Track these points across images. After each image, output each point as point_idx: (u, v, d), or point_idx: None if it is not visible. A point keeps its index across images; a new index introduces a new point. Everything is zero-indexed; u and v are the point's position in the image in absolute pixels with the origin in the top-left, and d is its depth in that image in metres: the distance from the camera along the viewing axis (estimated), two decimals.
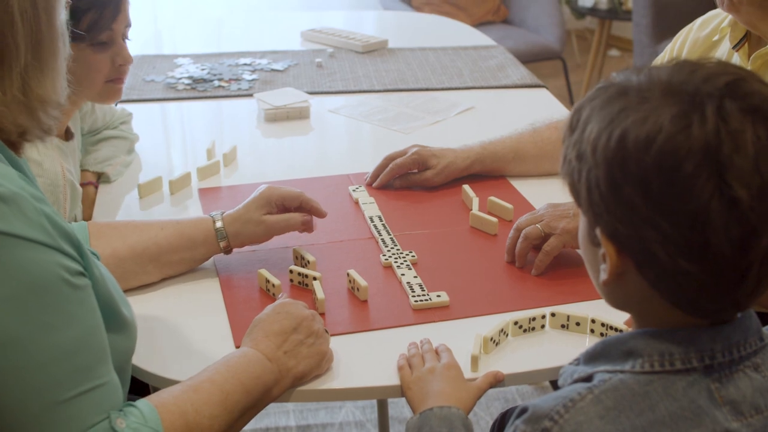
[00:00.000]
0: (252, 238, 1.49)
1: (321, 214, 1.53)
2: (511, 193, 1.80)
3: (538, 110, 2.23)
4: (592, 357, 0.93)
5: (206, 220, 1.48)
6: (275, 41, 2.87)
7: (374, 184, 1.84)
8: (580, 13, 5.34)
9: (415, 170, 1.83)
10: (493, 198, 1.71)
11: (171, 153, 2.07)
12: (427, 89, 2.45)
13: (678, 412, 0.86)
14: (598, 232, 0.88)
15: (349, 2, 4.82)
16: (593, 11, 5.16)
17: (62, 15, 1.06)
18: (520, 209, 1.68)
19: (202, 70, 2.54)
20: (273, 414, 2.56)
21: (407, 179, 1.84)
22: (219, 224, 1.46)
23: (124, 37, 1.69)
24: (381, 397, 1.26)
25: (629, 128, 0.83)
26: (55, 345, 0.96)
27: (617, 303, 0.95)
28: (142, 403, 1.04)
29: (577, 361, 0.95)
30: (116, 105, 2.00)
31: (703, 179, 0.80)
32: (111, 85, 1.70)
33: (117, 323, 1.10)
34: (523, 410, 0.90)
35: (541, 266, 1.50)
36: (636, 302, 0.91)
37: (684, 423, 0.85)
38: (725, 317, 0.89)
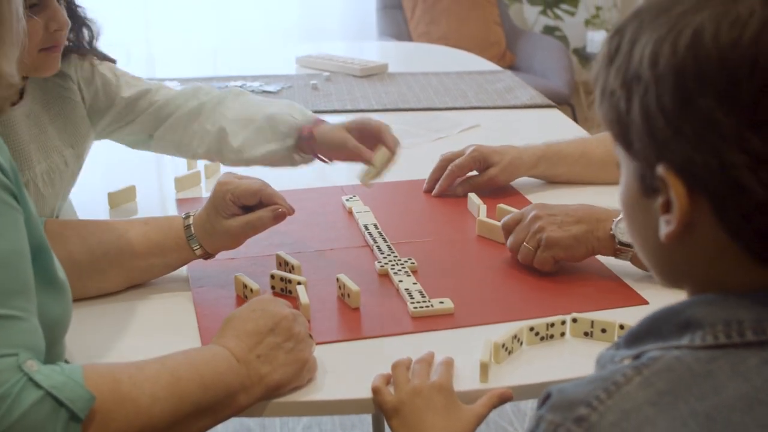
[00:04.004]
0: (222, 246, 1.30)
1: (288, 210, 1.28)
2: (519, 201, 1.62)
3: (550, 129, 2.07)
4: (636, 337, 0.72)
5: (176, 223, 1.28)
6: (269, 68, 2.71)
7: (434, 192, 1.66)
8: (588, 59, 5.22)
9: (476, 171, 1.66)
10: (502, 205, 1.53)
11: (147, 167, 1.90)
12: (429, 109, 2.28)
13: (751, 394, 0.65)
14: (660, 169, 0.68)
15: (347, 36, 4.69)
16: None
17: None
18: None
19: None
20: None
21: (470, 183, 1.65)
22: (191, 229, 1.27)
23: None
24: (370, 412, 1.06)
25: (704, 24, 0.65)
26: None
27: (674, 272, 0.75)
28: (67, 364, 0.88)
29: (617, 345, 0.74)
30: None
31: None
32: (46, 54, 1.39)
33: (48, 279, 0.94)
34: (547, 397, 0.70)
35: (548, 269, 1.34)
36: (701, 265, 0.71)
37: (760, 408, 0.64)
38: None
